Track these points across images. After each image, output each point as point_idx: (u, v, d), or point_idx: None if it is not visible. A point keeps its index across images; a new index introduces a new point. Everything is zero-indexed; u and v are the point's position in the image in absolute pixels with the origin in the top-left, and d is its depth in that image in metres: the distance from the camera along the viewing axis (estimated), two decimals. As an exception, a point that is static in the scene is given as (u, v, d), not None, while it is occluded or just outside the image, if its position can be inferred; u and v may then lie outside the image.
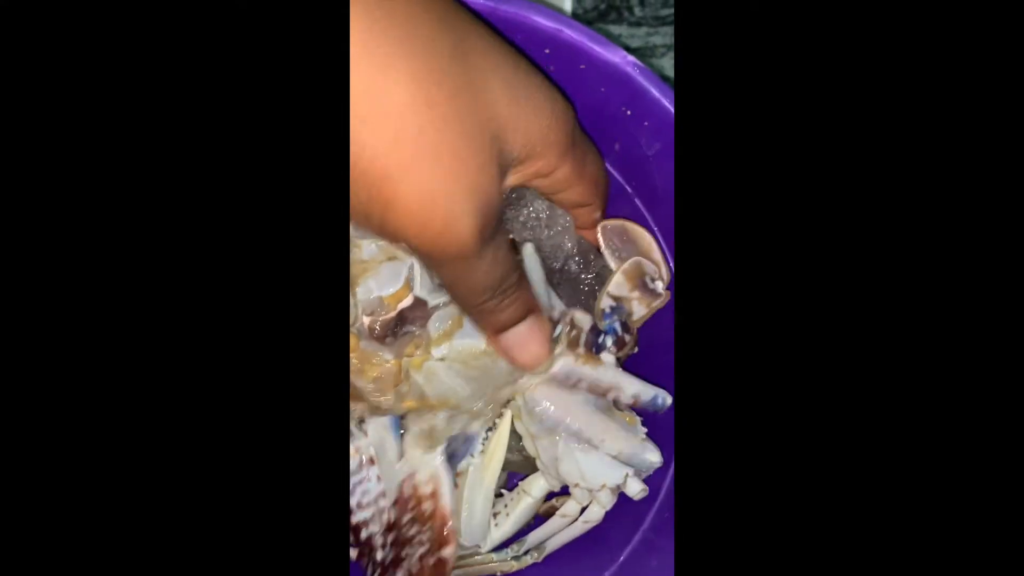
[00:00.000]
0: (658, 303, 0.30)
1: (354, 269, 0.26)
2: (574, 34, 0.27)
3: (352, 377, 0.26)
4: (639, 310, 0.29)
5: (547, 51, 0.28)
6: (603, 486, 0.29)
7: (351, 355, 0.25)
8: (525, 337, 0.25)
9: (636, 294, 0.29)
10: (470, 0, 0.26)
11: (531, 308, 0.26)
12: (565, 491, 0.30)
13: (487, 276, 0.23)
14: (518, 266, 0.25)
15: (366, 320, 0.25)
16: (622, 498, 0.29)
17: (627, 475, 0.28)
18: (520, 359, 0.26)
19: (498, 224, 0.22)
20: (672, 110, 0.27)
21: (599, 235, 0.30)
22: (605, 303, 0.29)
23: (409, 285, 0.26)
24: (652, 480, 0.29)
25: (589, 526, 0.29)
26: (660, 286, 0.30)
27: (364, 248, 0.26)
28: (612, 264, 0.30)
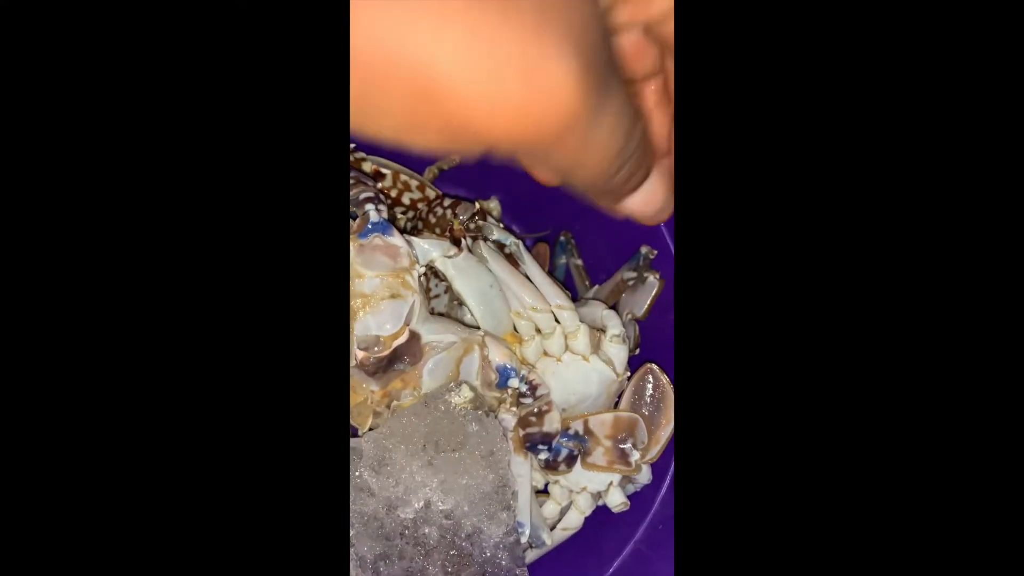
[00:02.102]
0: (619, 468, 0.29)
1: (354, 302, 0.25)
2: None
3: None
4: (598, 459, 0.29)
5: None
6: (583, 489, 0.31)
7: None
8: (653, 193, 0.21)
9: (608, 444, 0.29)
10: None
11: (654, 154, 0.21)
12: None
13: (610, 143, 0.18)
14: (638, 116, 0.19)
15: (359, 354, 0.25)
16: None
17: (610, 484, 0.30)
18: (647, 216, 0.21)
19: (609, 69, 0.17)
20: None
21: (642, 373, 0.29)
22: (576, 424, 0.28)
23: (408, 326, 0.25)
24: (644, 495, 0.30)
25: (568, 534, 0.31)
26: (634, 458, 0.28)
27: (367, 282, 0.25)
28: (622, 400, 0.29)
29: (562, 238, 0.37)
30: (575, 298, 0.36)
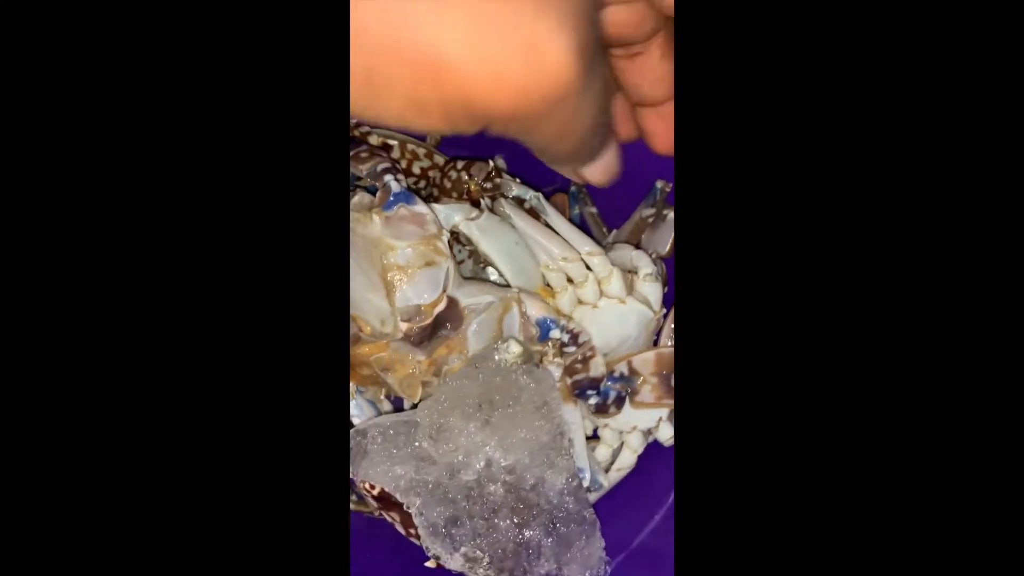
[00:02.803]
0: (667, 402, 0.29)
1: (390, 274, 0.25)
2: None
3: (380, 372, 0.26)
4: (646, 396, 0.29)
5: None
6: (634, 428, 0.31)
7: (382, 353, 0.26)
8: (610, 162, 0.22)
9: (654, 381, 0.29)
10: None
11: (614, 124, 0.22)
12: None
13: (593, 114, 0.19)
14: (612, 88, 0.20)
15: (403, 326, 0.25)
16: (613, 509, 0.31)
17: (660, 419, 0.30)
18: (601, 182, 0.23)
19: (597, 43, 0.18)
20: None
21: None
22: (620, 367, 0.28)
23: (446, 292, 0.25)
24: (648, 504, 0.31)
25: (623, 474, 0.32)
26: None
27: (400, 253, 0.25)
28: (661, 336, 0.28)
29: (573, 188, 0.37)
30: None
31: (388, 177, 0.26)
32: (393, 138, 0.31)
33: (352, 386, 0.28)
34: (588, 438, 0.33)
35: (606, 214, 0.38)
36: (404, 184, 0.26)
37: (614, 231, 0.36)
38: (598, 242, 0.31)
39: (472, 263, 0.32)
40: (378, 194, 0.26)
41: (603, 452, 0.32)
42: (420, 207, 0.26)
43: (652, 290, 0.29)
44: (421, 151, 0.32)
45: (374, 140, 0.31)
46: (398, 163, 0.30)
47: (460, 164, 0.31)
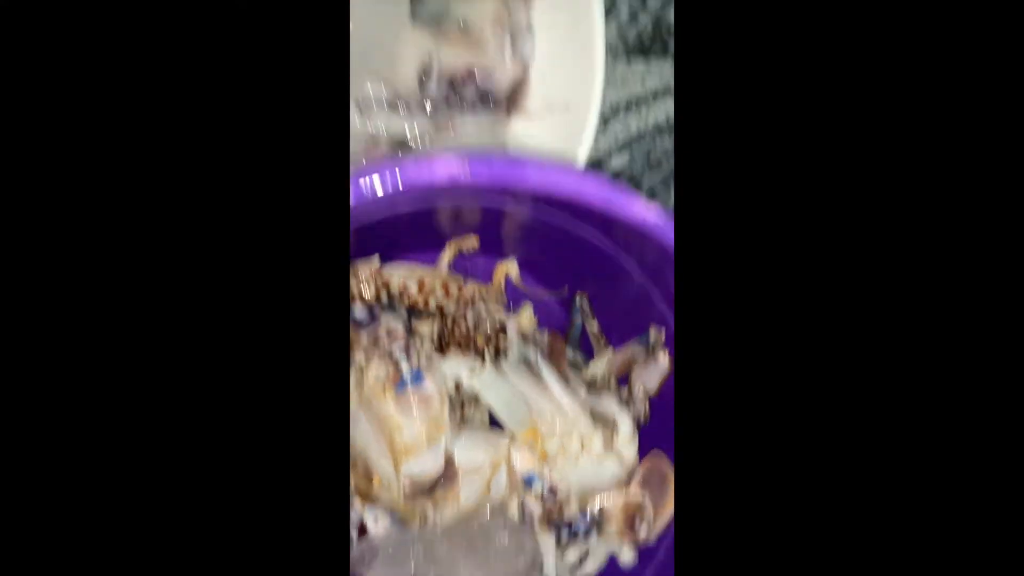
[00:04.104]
0: (630, 539, 0.33)
1: (396, 449, 0.29)
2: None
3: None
4: (611, 532, 0.32)
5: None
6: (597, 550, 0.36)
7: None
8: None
9: (621, 520, 0.32)
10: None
11: None
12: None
13: None
14: None
15: (407, 487, 0.30)
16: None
17: (623, 547, 0.35)
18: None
19: None
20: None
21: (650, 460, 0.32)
22: (591, 506, 0.32)
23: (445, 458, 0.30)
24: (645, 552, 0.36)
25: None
26: (643, 531, 0.32)
27: (406, 431, 0.29)
28: (632, 482, 0.32)
29: (577, 300, 0.40)
30: (591, 357, 0.39)
31: (402, 359, 0.29)
32: (410, 276, 0.34)
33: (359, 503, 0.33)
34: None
35: (607, 329, 0.41)
36: (416, 364, 0.29)
37: (610, 347, 0.39)
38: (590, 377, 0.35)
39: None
40: (391, 372, 0.29)
41: (572, 555, 0.38)
42: (428, 387, 0.29)
43: (629, 450, 0.33)
44: (437, 283, 0.35)
45: (395, 283, 0.33)
46: (412, 307, 0.33)
47: (470, 316, 0.34)
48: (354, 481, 0.31)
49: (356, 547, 0.32)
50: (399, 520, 0.33)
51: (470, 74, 0.36)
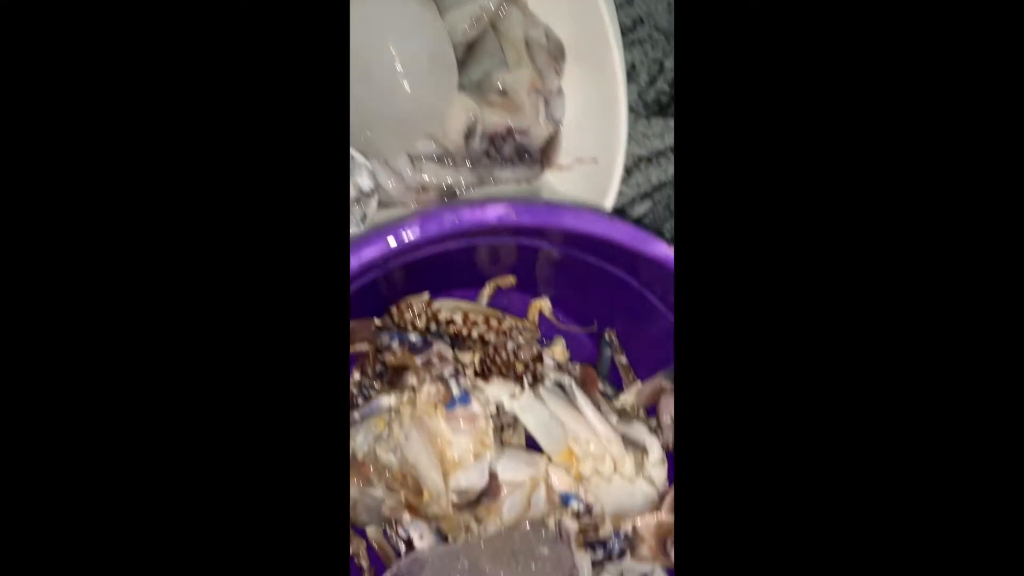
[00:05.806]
0: (662, 560, 0.35)
1: (445, 464, 0.32)
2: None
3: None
4: (644, 554, 0.35)
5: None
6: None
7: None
8: None
9: (653, 543, 0.34)
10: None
11: None
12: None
13: None
14: None
15: (455, 499, 0.32)
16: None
17: (654, 570, 0.37)
18: None
19: None
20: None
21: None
22: (625, 527, 0.34)
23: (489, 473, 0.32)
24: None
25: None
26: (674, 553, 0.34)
27: (455, 447, 0.32)
28: (663, 504, 0.34)
29: (606, 336, 0.43)
30: (619, 388, 0.42)
31: (452, 381, 0.32)
32: (456, 310, 0.37)
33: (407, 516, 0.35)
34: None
35: (635, 362, 0.43)
36: (464, 385, 0.33)
37: (639, 381, 0.42)
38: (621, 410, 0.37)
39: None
40: (443, 392, 0.32)
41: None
42: (475, 407, 0.32)
43: (659, 474, 0.36)
44: (480, 316, 0.38)
45: (443, 315, 0.37)
46: (458, 337, 0.37)
47: (511, 346, 0.37)
48: (404, 496, 0.33)
49: (404, 560, 0.34)
50: (443, 535, 0.35)
51: (509, 132, 0.41)
